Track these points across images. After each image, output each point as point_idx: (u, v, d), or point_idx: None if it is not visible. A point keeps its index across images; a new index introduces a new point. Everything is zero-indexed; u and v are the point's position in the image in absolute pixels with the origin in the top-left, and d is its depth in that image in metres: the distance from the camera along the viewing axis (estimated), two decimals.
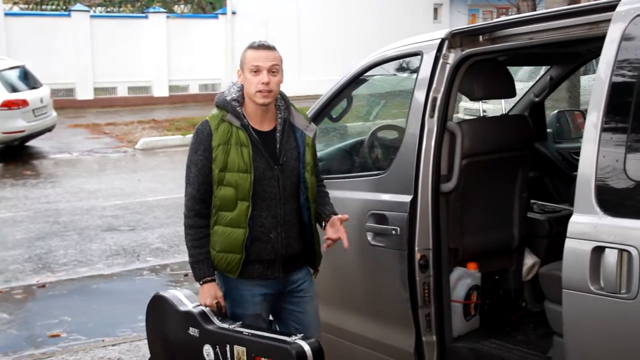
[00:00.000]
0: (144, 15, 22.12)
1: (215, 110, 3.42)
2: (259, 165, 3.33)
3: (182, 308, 3.45)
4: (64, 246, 8.23)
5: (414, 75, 3.75)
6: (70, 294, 6.77)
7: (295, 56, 23.83)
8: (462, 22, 23.18)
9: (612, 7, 2.83)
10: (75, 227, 9.04)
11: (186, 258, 8.16)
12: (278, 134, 3.41)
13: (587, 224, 2.74)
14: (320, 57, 23.38)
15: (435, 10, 27.04)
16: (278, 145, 3.40)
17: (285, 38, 23.45)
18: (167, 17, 22.36)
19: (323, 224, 3.52)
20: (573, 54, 4.53)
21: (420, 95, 3.65)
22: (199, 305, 3.41)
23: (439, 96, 3.61)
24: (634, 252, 2.58)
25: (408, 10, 25.13)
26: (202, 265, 3.41)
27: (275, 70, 3.34)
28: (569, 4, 7.29)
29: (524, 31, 3.49)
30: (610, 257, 2.65)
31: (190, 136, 13.63)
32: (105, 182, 11.99)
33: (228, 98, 3.40)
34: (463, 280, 3.93)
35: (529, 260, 4.24)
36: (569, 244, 2.79)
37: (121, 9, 23.22)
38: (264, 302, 3.47)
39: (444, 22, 26.10)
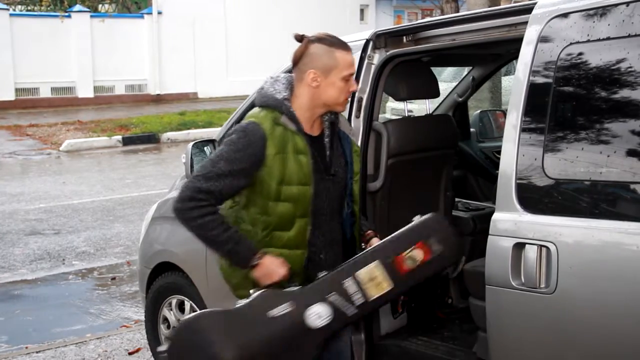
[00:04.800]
0: (66, 14, 21.63)
1: (258, 110, 2.92)
2: (315, 177, 2.89)
3: (236, 308, 2.76)
4: None
5: None
6: None
7: (223, 57, 23.73)
8: (388, 23, 23.48)
9: (529, 10, 2.91)
10: None
11: (113, 261, 8.07)
12: (326, 140, 2.98)
13: (508, 221, 2.81)
14: (248, 58, 23.30)
15: (362, 11, 27.27)
16: (328, 153, 2.97)
17: (212, 38, 23.35)
18: (91, 16, 21.92)
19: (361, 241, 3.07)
20: (494, 55, 4.64)
21: None
22: (258, 291, 2.77)
23: (365, 96, 3.65)
24: (552, 247, 2.66)
25: (335, 10, 25.27)
26: (244, 243, 2.81)
27: None
28: (490, 7, 7.45)
29: (447, 32, 3.56)
30: (531, 253, 2.73)
31: (117, 137, 13.23)
32: (28, 185, 11.70)
33: (279, 97, 2.91)
34: None
35: None
36: (491, 241, 2.86)
37: (42, 8, 22.60)
38: None
39: (370, 23, 26.35)
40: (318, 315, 2.66)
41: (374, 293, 2.69)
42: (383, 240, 2.82)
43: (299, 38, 2.95)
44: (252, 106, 4.18)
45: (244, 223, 2.92)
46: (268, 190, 2.84)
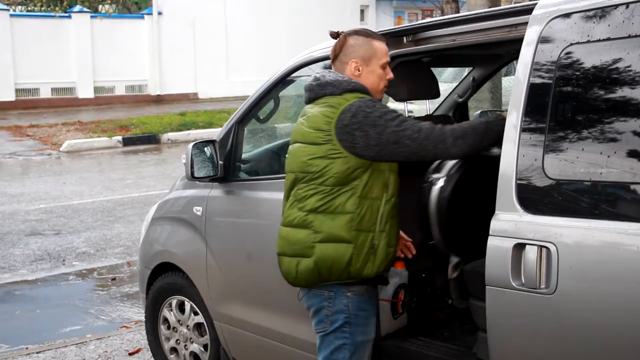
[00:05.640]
0: (67, 15, 21.65)
1: (352, 95, 3.03)
2: None
3: None
4: None
5: None
6: None
7: (223, 57, 23.75)
8: (388, 24, 23.47)
9: (529, 10, 2.91)
10: None
11: (113, 262, 8.08)
12: None
13: (509, 221, 2.81)
14: (248, 58, 23.32)
15: (362, 12, 27.29)
16: None
17: (212, 39, 23.37)
18: (92, 17, 21.94)
19: None
20: (494, 56, 4.64)
21: None
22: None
23: None
24: (552, 248, 2.65)
25: (335, 11, 25.29)
26: (486, 118, 3.15)
27: None
28: (490, 7, 7.45)
29: (447, 33, 3.55)
30: (531, 253, 2.72)
31: (117, 138, 13.16)
32: (28, 185, 11.71)
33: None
34: (391, 279, 3.97)
35: (455, 258, 4.31)
36: (491, 241, 2.86)
37: (42, 8, 22.62)
38: None
39: (371, 23, 26.36)
40: None
41: None
42: None
43: (335, 35, 3.16)
44: (251, 108, 4.21)
45: (365, 199, 3.01)
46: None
